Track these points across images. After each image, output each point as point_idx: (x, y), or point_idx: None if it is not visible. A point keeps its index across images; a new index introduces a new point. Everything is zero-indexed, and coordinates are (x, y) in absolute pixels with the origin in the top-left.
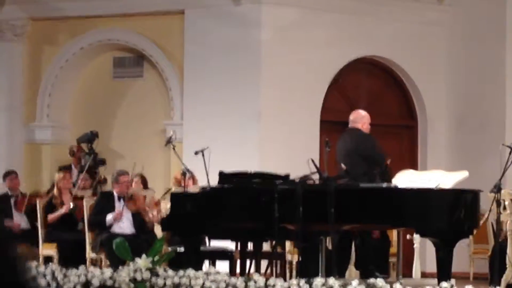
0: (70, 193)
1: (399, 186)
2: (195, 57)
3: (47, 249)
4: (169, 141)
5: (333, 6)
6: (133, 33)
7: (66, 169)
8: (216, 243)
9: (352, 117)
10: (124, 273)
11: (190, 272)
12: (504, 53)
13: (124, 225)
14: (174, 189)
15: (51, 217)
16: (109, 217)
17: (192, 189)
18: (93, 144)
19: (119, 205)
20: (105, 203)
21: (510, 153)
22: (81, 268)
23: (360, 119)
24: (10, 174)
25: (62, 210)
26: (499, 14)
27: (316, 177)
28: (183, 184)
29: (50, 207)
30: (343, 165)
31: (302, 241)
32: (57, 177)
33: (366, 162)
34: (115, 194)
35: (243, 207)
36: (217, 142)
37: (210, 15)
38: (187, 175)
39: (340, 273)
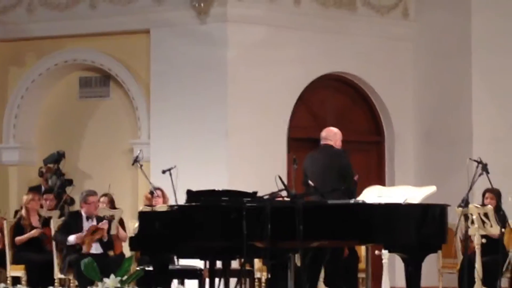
0: (38, 215)
1: (367, 202)
2: (162, 76)
3: (15, 271)
4: (136, 161)
5: (299, 24)
6: (99, 53)
7: (35, 189)
8: (185, 262)
9: (324, 134)
10: None
11: None
12: (470, 67)
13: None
14: (142, 208)
15: (19, 239)
16: (71, 238)
17: (160, 208)
18: (59, 164)
19: (87, 225)
20: (73, 222)
21: (477, 168)
22: None
23: (332, 136)
24: None
25: (32, 233)
26: (464, 29)
27: (284, 194)
28: (153, 203)
29: (18, 228)
30: (310, 182)
31: (271, 259)
32: (26, 199)
33: (341, 179)
34: (83, 214)
35: (212, 225)
36: (185, 161)
37: (176, 34)
38: (154, 194)
39: None
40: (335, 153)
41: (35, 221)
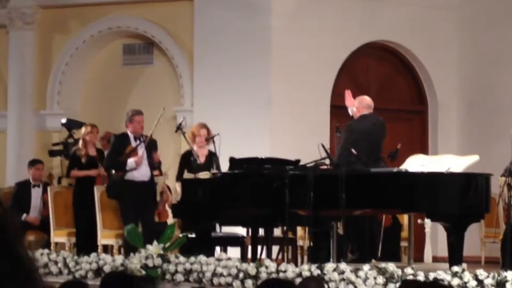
0: (94, 147)
1: (410, 171)
2: (205, 44)
3: (59, 236)
4: (179, 128)
5: None
6: (143, 20)
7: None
8: (227, 229)
9: (370, 102)
10: (136, 260)
11: (202, 258)
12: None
13: (141, 171)
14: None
15: (75, 173)
16: (131, 162)
17: (203, 175)
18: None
19: (135, 145)
20: (121, 144)
21: None
22: (93, 255)
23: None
24: (37, 163)
25: (90, 172)
26: None
27: (327, 162)
28: (198, 140)
29: (74, 159)
30: (353, 151)
31: (313, 227)
32: (84, 130)
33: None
34: (130, 134)
35: (254, 193)
36: (228, 129)
37: (220, 1)
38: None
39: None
40: (380, 121)
41: (92, 151)
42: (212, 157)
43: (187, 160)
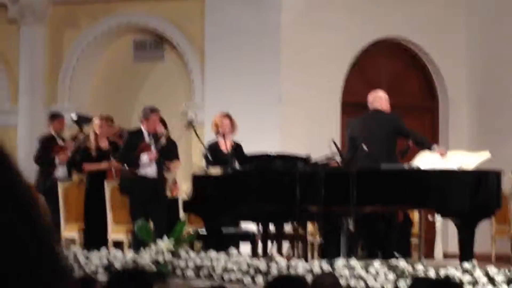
0: (107, 140)
1: (421, 168)
2: (216, 40)
3: (69, 232)
4: (190, 124)
5: None
6: (154, 16)
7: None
8: (239, 225)
9: (371, 98)
10: (146, 255)
11: (212, 254)
12: None
13: (154, 168)
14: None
15: (89, 167)
16: (145, 158)
17: (214, 170)
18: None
19: (149, 141)
20: (135, 140)
21: None
22: (103, 250)
23: (379, 99)
24: (58, 117)
25: (102, 165)
26: None
27: (338, 158)
28: (221, 130)
29: (83, 152)
30: (364, 147)
31: (324, 223)
32: (95, 123)
33: (393, 142)
34: (144, 130)
35: (265, 189)
36: (238, 125)
37: None
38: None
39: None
40: (386, 118)
41: (104, 144)
42: (236, 148)
43: (213, 152)
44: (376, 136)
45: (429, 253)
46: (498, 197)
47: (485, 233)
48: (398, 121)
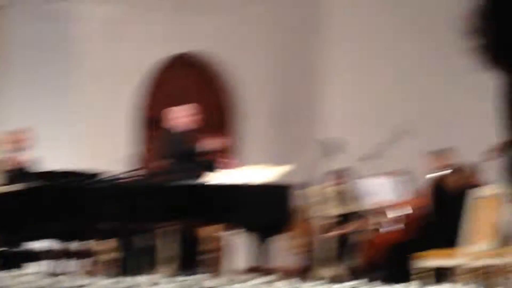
0: None
1: (211, 182)
2: (7, 54)
3: None
4: None
5: (146, 3)
6: None
7: None
8: (29, 244)
9: (166, 115)
10: None
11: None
12: (320, 45)
13: None
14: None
15: None
16: None
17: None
18: None
19: None
20: None
21: (324, 148)
22: None
23: (170, 115)
24: None
25: None
26: (310, 4)
27: (134, 174)
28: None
29: None
30: (166, 161)
31: (120, 239)
32: None
33: (184, 158)
34: None
35: (53, 206)
36: (31, 141)
37: (20, 12)
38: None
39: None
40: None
41: None
42: (25, 165)
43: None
44: (170, 153)
45: (218, 268)
46: (288, 212)
47: (279, 248)
48: (190, 139)
